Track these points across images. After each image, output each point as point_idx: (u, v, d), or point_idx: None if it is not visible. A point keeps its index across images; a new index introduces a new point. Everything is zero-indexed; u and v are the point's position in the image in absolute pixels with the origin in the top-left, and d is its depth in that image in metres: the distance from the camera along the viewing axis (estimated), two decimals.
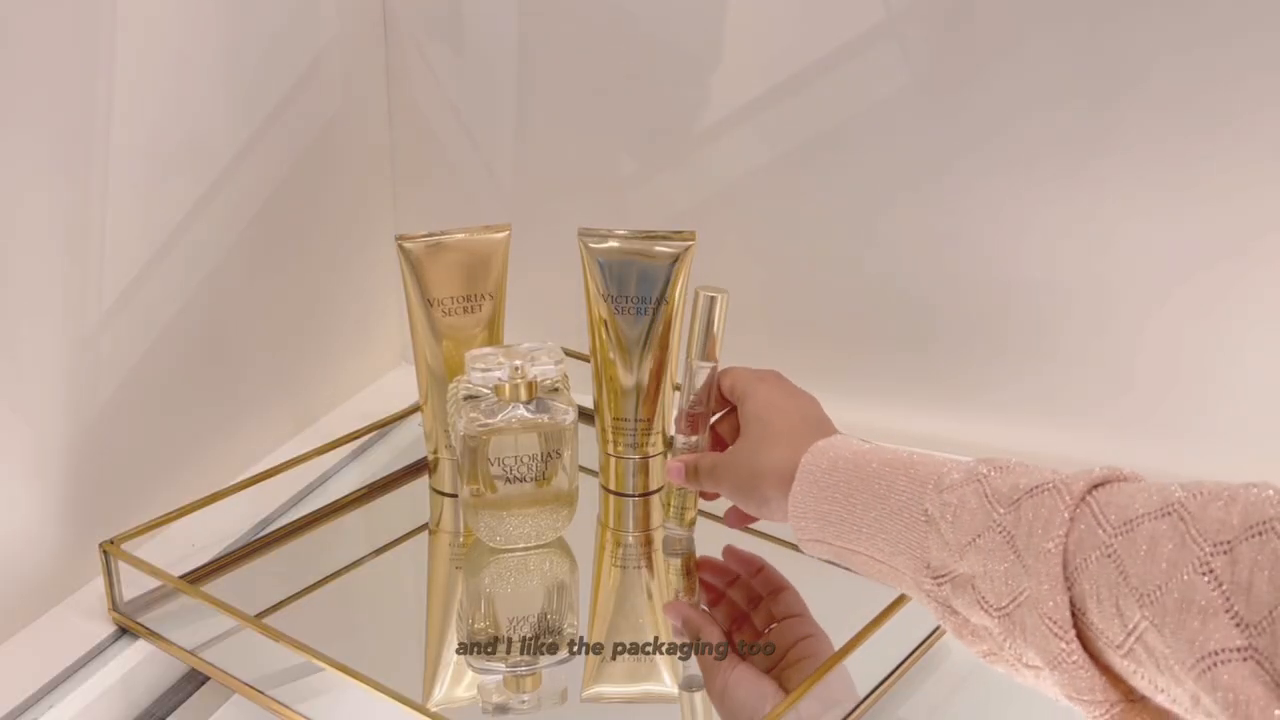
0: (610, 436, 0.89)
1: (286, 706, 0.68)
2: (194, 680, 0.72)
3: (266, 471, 0.86)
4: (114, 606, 0.76)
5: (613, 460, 0.90)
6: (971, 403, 0.99)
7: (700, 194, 1.01)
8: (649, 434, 0.89)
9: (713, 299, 0.78)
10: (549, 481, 0.80)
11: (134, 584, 0.76)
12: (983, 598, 0.54)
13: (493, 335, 0.87)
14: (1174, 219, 0.89)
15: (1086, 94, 0.88)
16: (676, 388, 0.86)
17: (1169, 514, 0.48)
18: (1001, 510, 0.54)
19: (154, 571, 0.74)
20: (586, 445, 0.87)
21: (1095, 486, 0.52)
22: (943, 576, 0.57)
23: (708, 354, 0.79)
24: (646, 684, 0.73)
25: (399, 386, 1.02)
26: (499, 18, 1.02)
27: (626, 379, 0.88)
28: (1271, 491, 0.47)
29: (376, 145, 1.08)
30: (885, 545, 0.60)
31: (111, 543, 0.75)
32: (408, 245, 0.84)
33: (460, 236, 0.85)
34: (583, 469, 0.86)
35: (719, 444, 0.79)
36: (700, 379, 0.79)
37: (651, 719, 0.72)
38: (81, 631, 0.75)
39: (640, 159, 1.02)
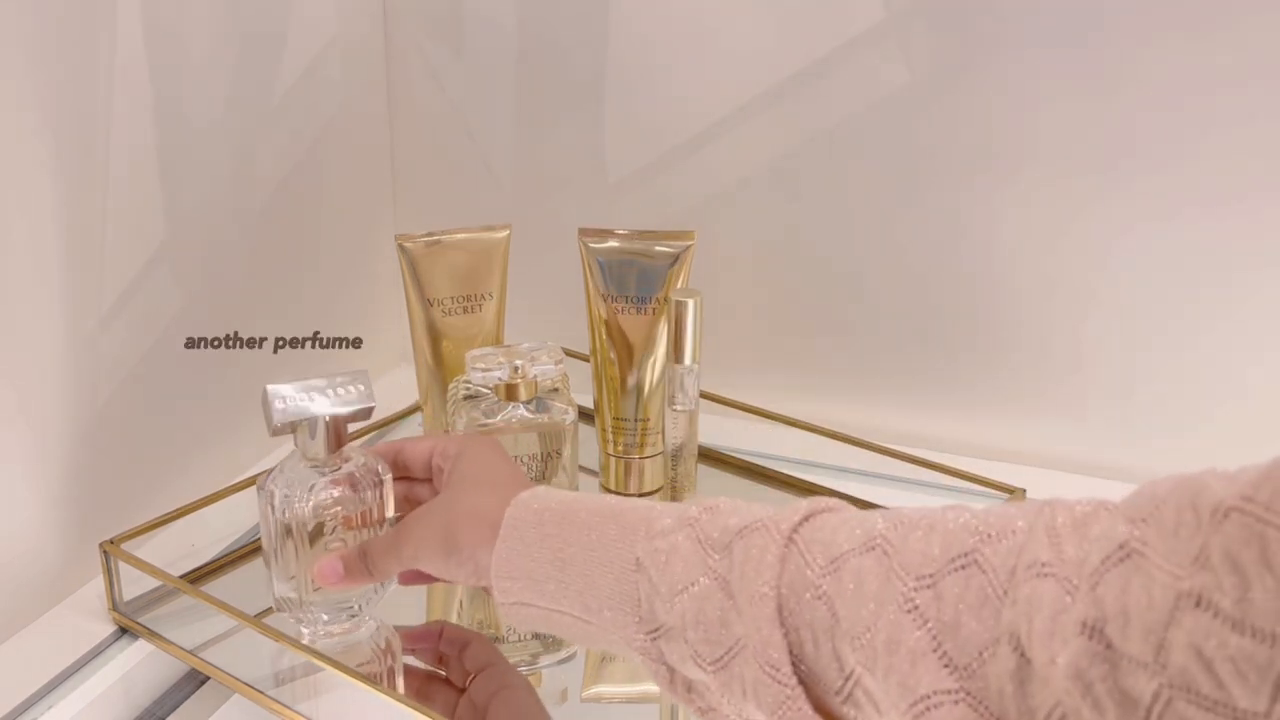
0: (610, 436, 0.89)
1: (286, 706, 0.68)
2: (194, 680, 0.72)
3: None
4: (114, 606, 0.76)
5: (613, 460, 0.90)
6: (972, 403, 0.99)
7: (700, 194, 1.01)
8: (648, 434, 0.89)
9: (687, 304, 0.79)
10: (549, 481, 0.80)
11: (134, 584, 0.76)
12: (696, 651, 0.51)
13: (493, 335, 0.87)
14: (1174, 219, 0.89)
15: (1086, 94, 0.88)
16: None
17: (873, 549, 0.47)
18: (715, 556, 0.51)
19: (154, 571, 0.74)
20: (587, 445, 0.87)
21: (802, 522, 0.50)
22: (655, 630, 0.52)
23: (688, 357, 0.81)
24: (646, 684, 0.73)
25: (399, 386, 1.02)
26: (499, 18, 1.02)
27: (627, 379, 0.88)
28: (968, 516, 0.46)
29: (376, 145, 1.08)
30: (593, 601, 0.54)
31: (111, 543, 0.75)
32: (408, 245, 0.84)
33: (460, 236, 0.85)
34: (583, 469, 0.86)
35: None
36: (683, 383, 0.81)
37: (651, 719, 0.72)
38: (81, 631, 0.75)
39: (640, 159, 1.02)
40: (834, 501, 0.52)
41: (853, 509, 0.51)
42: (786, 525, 0.50)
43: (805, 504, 0.51)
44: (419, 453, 0.68)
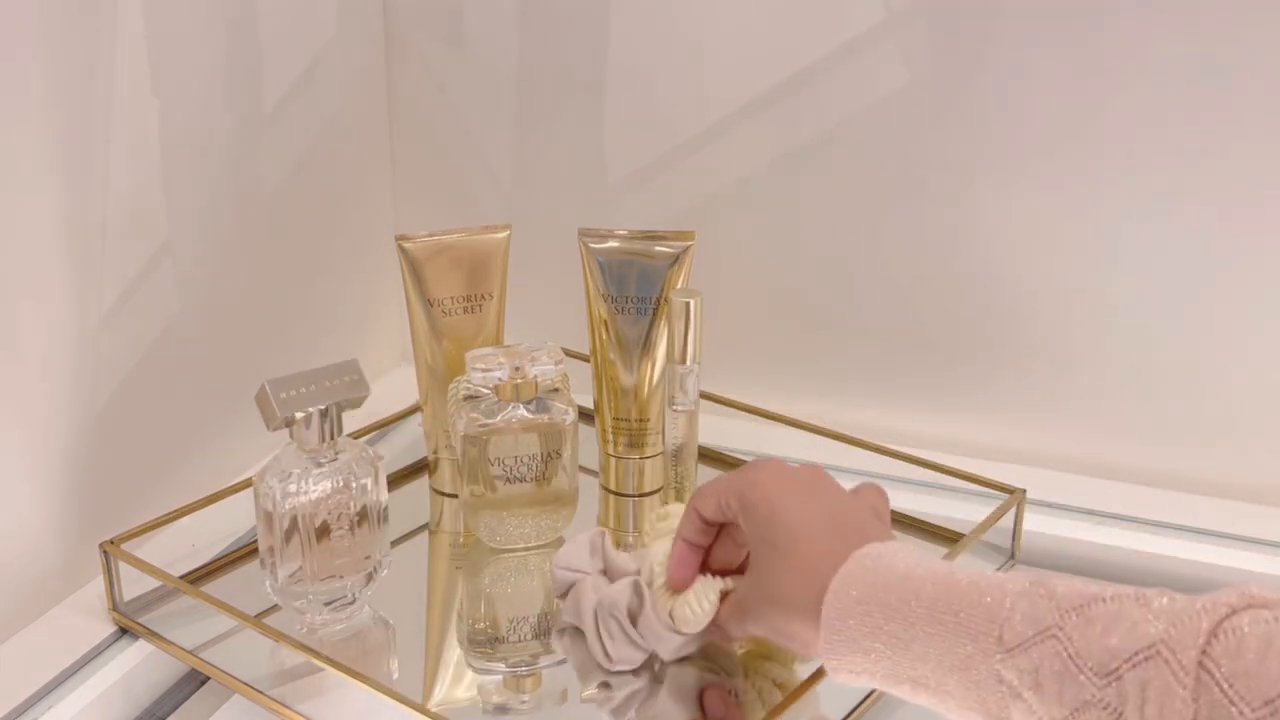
0: (610, 436, 0.89)
1: (286, 706, 0.68)
2: (194, 680, 0.72)
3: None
4: (114, 606, 0.76)
5: (613, 460, 0.90)
6: (972, 403, 0.99)
7: (700, 194, 1.01)
8: (648, 434, 0.89)
9: (688, 304, 0.79)
10: (549, 481, 0.80)
11: (134, 584, 0.76)
12: None
13: (493, 335, 0.87)
14: (1176, 218, 0.89)
15: (1087, 93, 0.88)
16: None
17: None
18: (1099, 682, 0.44)
19: (154, 571, 0.74)
20: (587, 445, 0.87)
21: (1212, 638, 0.42)
22: None
23: (689, 357, 0.81)
24: None
25: (399, 386, 1.02)
26: (499, 18, 1.02)
27: (626, 379, 0.88)
28: None
29: (376, 145, 1.08)
30: (952, 704, 0.51)
31: (111, 543, 0.75)
32: (408, 245, 0.84)
33: (460, 236, 0.85)
34: (583, 469, 0.86)
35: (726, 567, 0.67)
36: (683, 383, 0.81)
37: None
38: (81, 631, 0.75)
39: (640, 159, 1.02)
40: (1247, 592, 0.43)
41: (1268, 607, 0.42)
42: (1192, 650, 0.42)
43: (1208, 608, 0.43)
44: (708, 511, 0.64)
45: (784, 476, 0.61)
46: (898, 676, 0.52)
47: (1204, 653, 0.42)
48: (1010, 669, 0.47)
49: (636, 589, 0.67)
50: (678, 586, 0.65)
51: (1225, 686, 0.41)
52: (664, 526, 0.71)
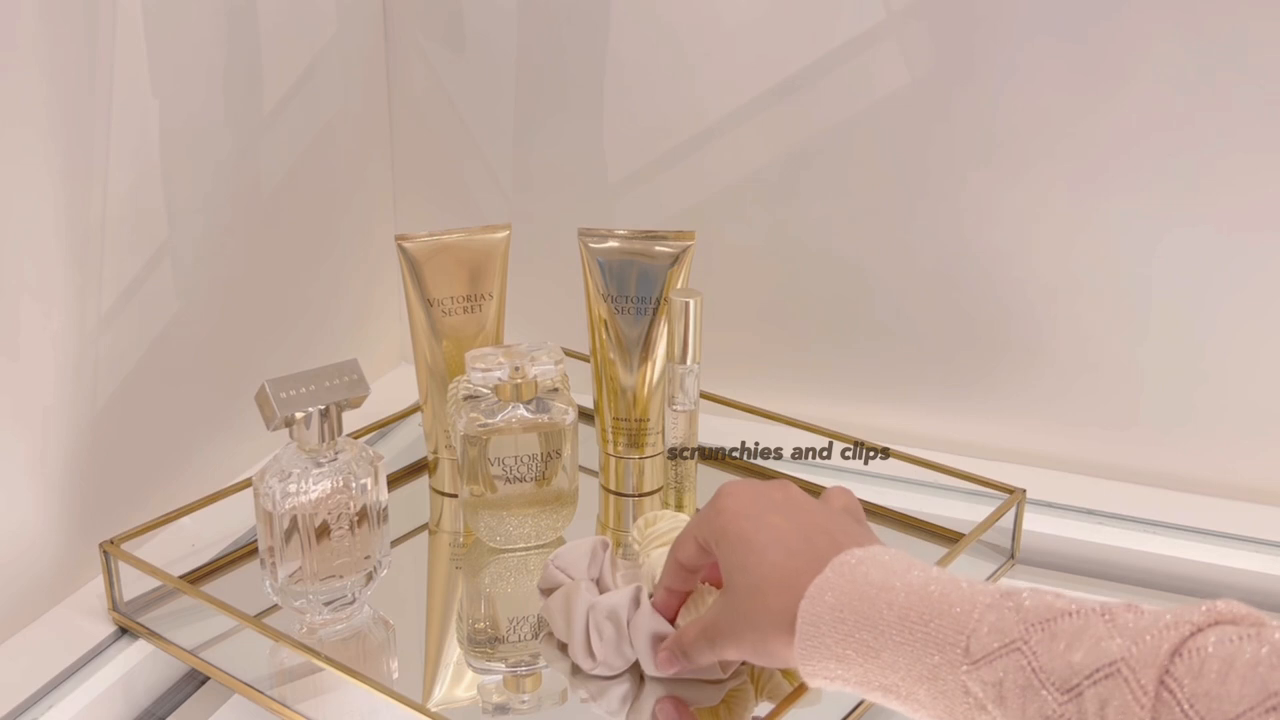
0: (610, 436, 0.89)
1: (286, 706, 0.68)
2: (194, 680, 0.72)
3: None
4: (114, 606, 0.76)
5: (613, 460, 0.90)
6: (974, 404, 0.99)
7: (700, 194, 1.01)
8: (648, 434, 0.89)
9: (687, 304, 0.80)
10: (549, 481, 0.80)
11: (134, 584, 0.76)
12: None
13: (493, 335, 0.87)
14: (1178, 219, 0.89)
15: (1087, 92, 0.88)
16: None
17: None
18: (1060, 698, 0.45)
19: (154, 571, 0.74)
20: (587, 445, 0.87)
21: (1174, 656, 0.42)
22: None
23: (689, 357, 0.80)
24: None
25: (399, 386, 1.02)
26: (499, 18, 1.02)
27: (626, 379, 0.88)
28: None
29: (376, 145, 1.08)
30: (922, 711, 0.52)
31: (111, 543, 0.75)
32: (408, 245, 0.84)
33: (460, 236, 0.85)
34: (583, 469, 0.86)
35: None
36: (683, 383, 0.82)
37: None
38: (81, 631, 0.75)
39: (640, 159, 1.02)
40: (1214, 609, 0.43)
41: (1248, 616, 0.43)
42: (1151, 670, 0.42)
43: (1171, 626, 0.43)
44: (688, 556, 0.64)
45: (749, 499, 0.61)
46: (869, 684, 0.53)
47: (1166, 672, 0.42)
48: (975, 681, 0.48)
49: (638, 596, 0.67)
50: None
51: (1186, 707, 0.41)
52: (653, 532, 0.71)
